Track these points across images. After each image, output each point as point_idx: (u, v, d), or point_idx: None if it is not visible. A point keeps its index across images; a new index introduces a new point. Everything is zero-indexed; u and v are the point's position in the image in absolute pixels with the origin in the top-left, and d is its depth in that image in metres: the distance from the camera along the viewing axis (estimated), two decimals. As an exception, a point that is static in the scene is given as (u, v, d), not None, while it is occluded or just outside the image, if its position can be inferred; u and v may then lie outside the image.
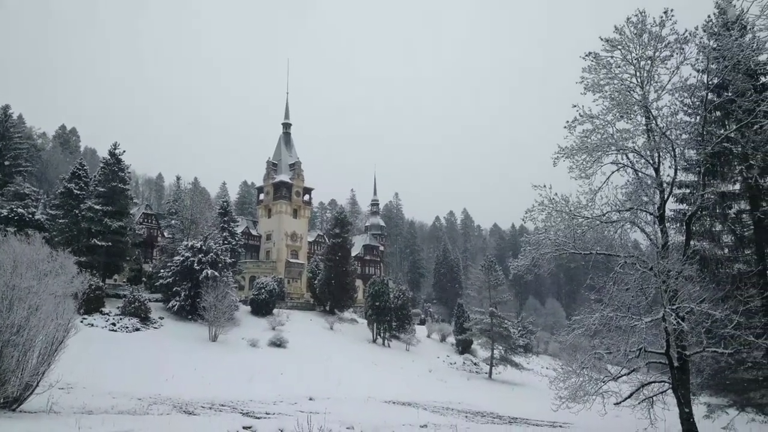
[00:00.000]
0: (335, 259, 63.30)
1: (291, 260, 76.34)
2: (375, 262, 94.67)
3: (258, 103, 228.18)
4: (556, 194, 16.29)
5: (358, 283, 77.52)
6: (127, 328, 40.93)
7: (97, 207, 47.66)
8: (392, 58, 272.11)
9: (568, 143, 16.18)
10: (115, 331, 39.99)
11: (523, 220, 17.09)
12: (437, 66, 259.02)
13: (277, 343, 45.02)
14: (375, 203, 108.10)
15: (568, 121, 16.18)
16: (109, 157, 50.98)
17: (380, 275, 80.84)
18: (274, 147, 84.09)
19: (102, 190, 49.14)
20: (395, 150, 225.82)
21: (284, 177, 78.94)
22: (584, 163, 16.17)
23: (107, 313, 42.64)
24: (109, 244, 47.56)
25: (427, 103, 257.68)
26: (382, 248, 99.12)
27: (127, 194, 51.69)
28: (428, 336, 69.70)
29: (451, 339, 67.78)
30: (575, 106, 15.94)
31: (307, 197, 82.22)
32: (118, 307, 43.99)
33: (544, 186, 16.18)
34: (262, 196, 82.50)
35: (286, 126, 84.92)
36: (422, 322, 79.03)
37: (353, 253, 76.59)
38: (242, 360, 37.15)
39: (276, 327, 50.08)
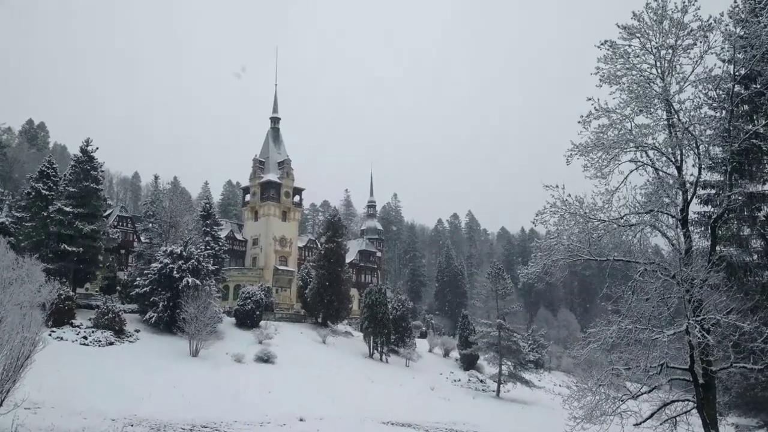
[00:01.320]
0: (328, 266, 63.23)
1: (280, 267, 76.30)
2: (372, 270, 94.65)
3: (245, 97, 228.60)
4: (569, 195, 16.26)
5: (353, 292, 77.44)
6: (99, 341, 40.77)
7: (68, 209, 47.57)
8: (391, 54, 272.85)
9: (582, 139, 16.16)
10: (87, 345, 39.84)
11: (533, 223, 17.04)
12: (440, 62, 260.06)
13: (265, 359, 44.84)
14: (372, 205, 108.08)
15: (582, 116, 16.17)
16: (81, 155, 50.92)
17: (377, 284, 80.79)
18: (261, 143, 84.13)
19: (73, 190, 49.05)
20: (393, 148, 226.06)
21: (272, 176, 78.91)
22: (600, 161, 16.15)
23: (78, 326, 42.51)
24: (81, 249, 47.52)
25: (429, 100, 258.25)
26: (379, 254, 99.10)
27: (101, 195, 51.66)
28: (430, 350, 69.63)
29: (455, 354, 67.70)
30: (590, 99, 15.95)
31: (297, 198, 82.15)
32: (90, 319, 43.85)
33: (557, 186, 16.14)
34: (248, 197, 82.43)
35: (275, 120, 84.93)
36: (423, 335, 78.86)
37: (348, 260, 76.54)
38: (226, 377, 37.07)
39: (263, 340, 49.94)
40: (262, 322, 55.63)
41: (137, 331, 45.46)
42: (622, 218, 16.34)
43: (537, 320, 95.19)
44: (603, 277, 18.21)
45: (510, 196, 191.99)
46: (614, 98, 16.05)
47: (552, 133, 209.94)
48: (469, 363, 64.19)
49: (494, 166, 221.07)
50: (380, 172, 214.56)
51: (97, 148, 51.31)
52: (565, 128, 19.96)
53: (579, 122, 16.15)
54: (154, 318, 46.61)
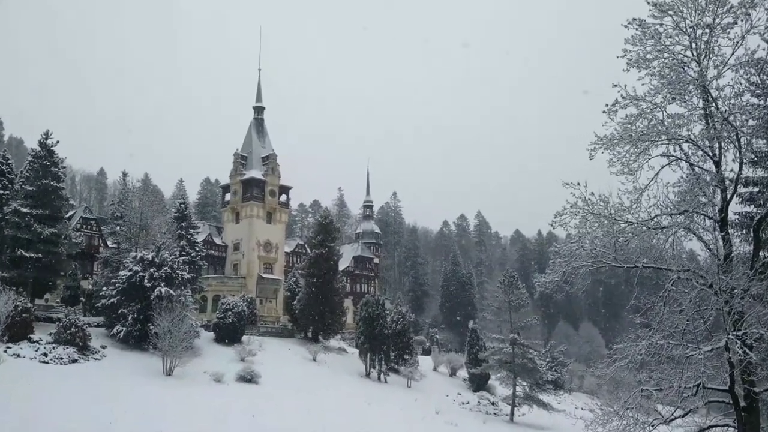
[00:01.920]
0: (319, 274, 63.23)
1: (264, 275, 76.33)
2: (368, 278, 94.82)
3: (224, 85, 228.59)
4: (592, 194, 16.19)
5: (348, 303, 77.53)
6: (61, 359, 40.68)
7: (25, 210, 47.52)
8: (394, 41, 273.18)
9: (607, 131, 16.10)
10: (47, 363, 39.69)
11: (551, 225, 16.99)
12: (448, 54, 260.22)
13: (248, 378, 44.77)
14: (368, 205, 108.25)
15: (607, 105, 16.11)
16: (40, 149, 50.89)
17: (375, 294, 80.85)
18: (244, 136, 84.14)
19: (30, 189, 49.03)
20: (393, 141, 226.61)
21: (256, 173, 78.98)
22: (627, 155, 16.09)
23: (37, 341, 42.38)
24: (40, 255, 47.44)
25: (433, 91, 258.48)
26: (377, 260, 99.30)
27: (62, 194, 51.61)
28: (435, 369, 69.63)
29: (463, 373, 67.65)
30: (616, 85, 15.88)
31: (284, 198, 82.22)
32: (50, 334, 43.75)
33: (578, 184, 16.07)
34: (228, 197, 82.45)
35: (258, 110, 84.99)
36: (427, 352, 78.88)
37: (341, 267, 76.77)
38: (204, 399, 37.04)
39: (246, 358, 49.86)
40: (244, 337, 55.64)
41: (104, 347, 45.37)
42: (652, 220, 16.31)
43: (556, 335, 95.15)
44: (631, 287, 18.24)
45: (525, 195, 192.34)
46: (644, 84, 16.00)
47: (573, 124, 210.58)
48: (479, 383, 64.17)
49: (507, 161, 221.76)
50: (378, 168, 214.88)
51: (58, 142, 51.28)
52: (587, 118, 19.97)
53: (604, 112, 16.11)
54: (122, 332, 46.57)
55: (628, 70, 15.98)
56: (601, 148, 16.20)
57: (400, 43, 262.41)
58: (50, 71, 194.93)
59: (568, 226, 16.77)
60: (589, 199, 16.23)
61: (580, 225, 16.65)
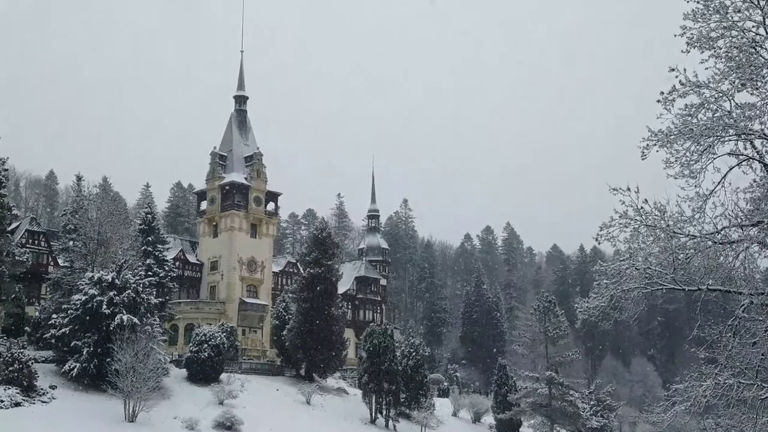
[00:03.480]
0: (314, 299, 63.32)
1: (248, 300, 76.46)
2: (374, 303, 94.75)
3: (198, 70, 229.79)
4: (645, 201, 16.14)
5: (349, 334, 77.44)
6: (1, 402, 40.66)
7: (-42, 221, 47.73)
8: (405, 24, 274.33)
9: (662, 125, 16.09)
10: (-16, 406, 39.79)
11: (596, 240, 16.91)
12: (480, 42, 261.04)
13: (227, 425, 44.83)
14: (374, 215, 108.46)
15: (662, 93, 16.11)
16: None
17: (382, 322, 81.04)
18: (222, 132, 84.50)
19: (-35, 196, 49.20)
20: (403, 141, 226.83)
21: (237, 176, 79.36)
22: (688, 154, 16.05)
23: (-27, 381, 42.40)
24: None
25: (454, 83, 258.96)
26: (384, 282, 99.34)
27: (3, 202, 51.60)
28: (454, 414, 69.49)
29: (489, 418, 67.44)
30: (673, 69, 15.88)
31: (271, 206, 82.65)
32: (-12, 371, 43.67)
33: (628, 189, 16.06)
34: (204, 205, 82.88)
35: (240, 100, 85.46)
36: (445, 393, 78.72)
37: (341, 290, 76.71)
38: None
39: (225, 400, 49.82)
40: (223, 375, 55.61)
41: (53, 387, 45.38)
42: (719, 233, 16.27)
43: (602, 372, 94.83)
44: (693, 314, 18.22)
45: (564, 203, 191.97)
46: (707, 69, 16.01)
47: (620, 116, 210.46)
48: (508, 431, 63.93)
49: (543, 163, 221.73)
50: (385, 172, 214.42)
51: (-1, 138, 51.50)
52: (637, 108, 19.99)
53: (658, 101, 16.10)
54: (76, 369, 46.54)
55: (688, 52, 15.98)
56: (655, 145, 16.15)
57: (422, 26, 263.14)
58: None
59: (616, 241, 16.72)
60: (641, 207, 16.19)
61: (631, 239, 16.62)
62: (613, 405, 72.36)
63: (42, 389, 44.47)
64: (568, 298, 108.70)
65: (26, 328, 55.61)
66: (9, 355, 44.29)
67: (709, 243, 16.28)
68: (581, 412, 57.51)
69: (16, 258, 54.61)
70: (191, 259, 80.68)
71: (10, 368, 43.20)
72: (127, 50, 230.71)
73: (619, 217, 16.37)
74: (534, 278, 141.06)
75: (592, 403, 65.41)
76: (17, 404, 41.38)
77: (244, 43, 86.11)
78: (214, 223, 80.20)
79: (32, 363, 45.05)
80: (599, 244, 16.95)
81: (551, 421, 55.36)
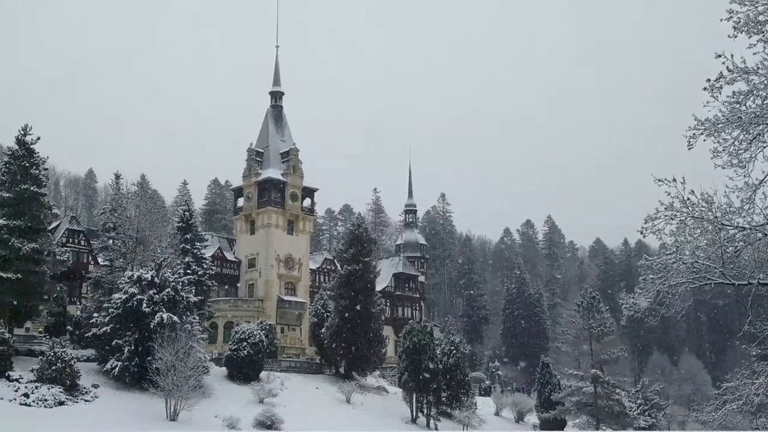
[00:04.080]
0: (352, 296, 63.52)
1: (286, 298, 77.02)
2: (412, 300, 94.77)
3: (238, 65, 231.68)
4: (692, 192, 15.98)
5: (388, 331, 77.61)
6: (45, 401, 41.45)
7: (0, 221, 48.30)
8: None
9: (709, 113, 15.90)
10: (29, 405, 40.58)
11: (641, 233, 16.79)
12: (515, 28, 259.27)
13: (268, 424, 45.07)
14: (411, 210, 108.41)
15: (709, 80, 15.92)
16: (17, 148, 51.55)
17: (421, 320, 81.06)
18: (258, 129, 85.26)
19: (6, 195, 49.75)
20: (440, 133, 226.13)
21: (273, 172, 79.86)
22: (736, 143, 15.85)
23: (17, 380, 43.27)
24: (18, 276, 47.73)
25: (489, 71, 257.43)
26: (422, 278, 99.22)
27: (44, 202, 52.38)
28: (497, 413, 69.22)
29: (533, 418, 67.06)
30: (720, 55, 15.69)
31: (308, 202, 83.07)
32: (32, 370, 44.53)
33: (673, 180, 15.91)
34: (241, 202, 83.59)
35: (276, 96, 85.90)
36: (487, 392, 78.47)
37: (379, 287, 76.92)
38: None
39: (265, 399, 50.27)
40: (263, 374, 56.07)
41: (95, 386, 46.12)
42: (770, 224, 16.04)
43: (649, 370, 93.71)
44: (743, 309, 18.08)
45: (607, 195, 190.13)
46: (755, 54, 15.76)
47: (667, 104, 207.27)
48: (552, 430, 63.53)
49: (584, 153, 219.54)
50: (423, 166, 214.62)
51: (39, 138, 52.04)
52: (684, 98, 19.75)
53: (705, 89, 15.91)
54: (117, 368, 47.15)
55: (735, 36, 15.76)
56: (702, 134, 15.97)
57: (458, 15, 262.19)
58: (23, 59, 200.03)
59: (662, 234, 16.56)
60: (688, 198, 16.01)
61: (678, 232, 16.45)
62: (661, 404, 71.39)
63: (84, 388, 45.18)
64: (613, 293, 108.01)
65: (68, 326, 56.72)
66: (52, 354, 44.95)
67: (760, 235, 16.05)
68: (628, 411, 56.88)
69: (57, 257, 55.74)
70: (229, 256, 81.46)
71: (53, 367, 43.82)
72: (160, 48, 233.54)
73: (665, 208, 16.19)
74: (577, 273, 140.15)
75: (639, 401, 64.58)
76: (61, 403, 42.06)
77: (279, 38, 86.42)
78: (251, 220, 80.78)
79: (74, 362, 45.63)
80: (644, 237, 16.86)
81: (597, 421, 54.84)
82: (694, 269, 16.40)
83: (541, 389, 66.36)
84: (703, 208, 16.02)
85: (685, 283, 16.58)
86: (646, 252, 76.43)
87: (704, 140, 16.01)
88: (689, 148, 16.11)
